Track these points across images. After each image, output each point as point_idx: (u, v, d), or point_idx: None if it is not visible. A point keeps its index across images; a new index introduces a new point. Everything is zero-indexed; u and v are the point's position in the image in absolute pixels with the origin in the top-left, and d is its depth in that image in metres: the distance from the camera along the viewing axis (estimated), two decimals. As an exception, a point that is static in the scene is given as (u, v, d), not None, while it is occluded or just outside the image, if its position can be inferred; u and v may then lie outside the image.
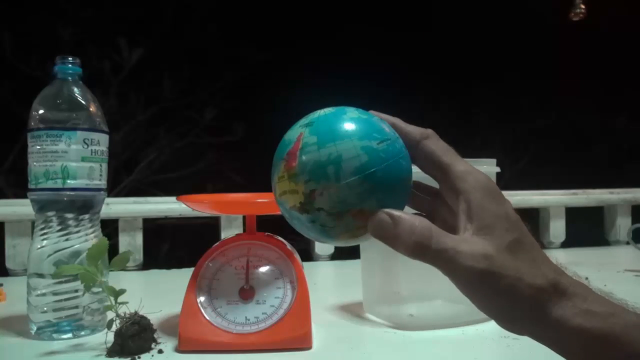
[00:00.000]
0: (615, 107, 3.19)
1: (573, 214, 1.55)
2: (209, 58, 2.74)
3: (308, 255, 1.36)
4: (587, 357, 0.33)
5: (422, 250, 0.33)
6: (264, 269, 0.64)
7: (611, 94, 3.09)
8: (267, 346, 0.60)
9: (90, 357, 0.59)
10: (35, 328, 0.66)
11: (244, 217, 0.70)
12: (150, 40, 2.46)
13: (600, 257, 1.40)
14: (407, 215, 0.34)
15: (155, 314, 0.64)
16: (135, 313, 0.60)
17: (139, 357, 0.58)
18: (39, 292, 0.65)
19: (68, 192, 0.65)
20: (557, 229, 1.51)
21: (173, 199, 0.80)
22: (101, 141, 0.68)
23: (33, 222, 0.70)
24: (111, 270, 0.66)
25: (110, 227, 1.21)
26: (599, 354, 0.33)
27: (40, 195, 0.66)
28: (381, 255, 0.74)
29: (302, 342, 0.61)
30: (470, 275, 0.32)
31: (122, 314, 0.60)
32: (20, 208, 1.14)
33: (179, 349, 0.60)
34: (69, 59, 0.68)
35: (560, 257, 1.43)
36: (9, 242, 1.15)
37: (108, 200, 0.99)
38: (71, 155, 0.65)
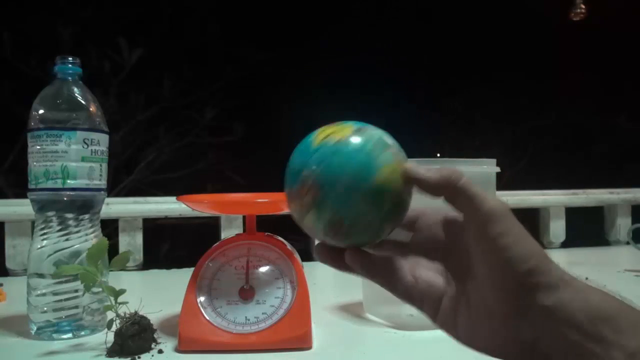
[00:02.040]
0: (616, 107, 3.19)
1: (573, 214, 1.55)
2: (209, 58, 2.73)
3: (308, 255, 1.36)
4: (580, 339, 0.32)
5: (452, 180, 0.34)
6: (264, 269, 0.64)
7: (611, 94, 3.09)
8: (267, 346, 0.60)
9: (90, 357, 0.59)
10: (35, 328, 0.66)
11: (244, 217, 0.70)
12: (150, 40, 2.45)
13: (600, 257, 1.40)
14: None
15: (155, 314, 0.64)
16: (135, 313, 0.60)
17: (139, 357, 0.58)
18: (39, 292, 0.65)
19: (68, 192, 0.66)
20: (557, 229, 1.51)
21: (173, 199, 0.80)
22: (101, 141, 0.68)
23: (33, 222, 0.70)
24: (111, 270, 0.66)
25: (110, 227, 1.21)
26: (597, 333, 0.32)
27: (40, 195, 0.66)
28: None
29: (302, 342, 0.61)
30: (492, 212, 0.34)
31: (122, 314, 0.60)
32: (20, 208, 1.14)
33: (179, 349, 0.60)
34: (69, 59, 0.68)
35: (560, 257, 1.43)
36: (9, 242, 1.15)
37: (108, 200, 0.99)
38: (71, 155, 0.65)
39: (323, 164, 0.36)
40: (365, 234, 0.37)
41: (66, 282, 0.65)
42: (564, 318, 0.32)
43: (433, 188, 0.35)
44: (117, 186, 2.42)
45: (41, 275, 0.65)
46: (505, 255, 0.33)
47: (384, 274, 0.38)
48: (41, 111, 0.66)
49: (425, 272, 0.39)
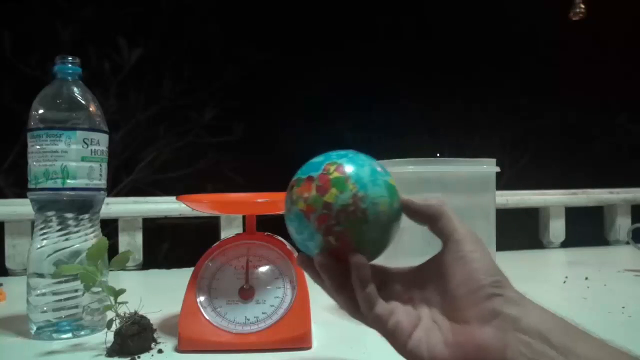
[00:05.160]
0: (616, 107, 3.19)
1: (573, 214, 1.55)
2: (209, 58, 2.74)
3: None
4: None
5: (438, 205, 0.42)
6: (264, 269, 0.64)
7: (611, 93, 3.09)
8: (267, 346, 0.60)
9: (90, 357, 0.59)
10: (35, 328, 0.66)
11: (244, 217, 0.70)
12: (150, 40, 2.46)
13: (600, 257, 1.40)
14: None
15: (155, 314, 0.64)
16: (135, 313, 0.60)
17: (139, 357, 0.58)
18: (39, 292, 0.65)
19: (68, 192, 0.66)
20: (557, 229, 1.51)
21: (173, 199, 0.80)
22: (101, 141, 0.68)
23: (33, 222, 0.70)
24: (111, 270, 0.66)
25: (110, 227, 1.21)
26: None
27: (40, 195, 0.66)
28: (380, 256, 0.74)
29: (302, 342, 0.61)
30: (467, 234, 0.40)
31: (122, 314, 0.60)
32: (20, 208, 1.14)
33: (179, 349, 0.60)
34: (69, 59, 0.68)
35: (560, 257, 1.43)
36: (9, 242, 1.15)
37: (108, 200, 0.99)
38: (71, 155, 0.65)
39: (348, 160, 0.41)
40: (378, 223, 0.39)
41: (66, 282, 0.65)
42: (528, 328, 0.36)
43: (422, 212, 0.42)
44: (117, 186, 2.42)
45: (41, 275, 0.65)
46: (476, 266, 0.39)
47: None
48: (41, 111, 0.66)
49: (399, 308, 0.41)
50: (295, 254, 0.66)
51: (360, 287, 0.39)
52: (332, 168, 0.40)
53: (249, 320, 0.61)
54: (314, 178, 0.40)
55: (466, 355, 0.36)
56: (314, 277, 0.43)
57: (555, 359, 0.34)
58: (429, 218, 0.42)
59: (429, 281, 0.42)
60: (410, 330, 0.39)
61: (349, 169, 0.40)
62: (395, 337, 0.39)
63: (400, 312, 0.40)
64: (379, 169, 0.41)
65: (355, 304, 0.40)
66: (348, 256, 0.39)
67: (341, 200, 0.38)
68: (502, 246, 0.78)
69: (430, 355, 0.37)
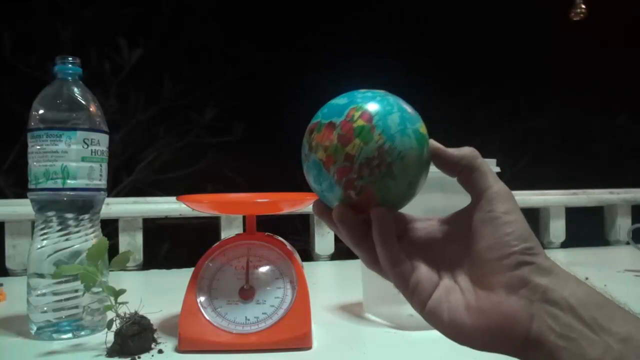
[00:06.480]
0: (615, 107, 3.19)
1: (573, 214, 1.55)
2: (209, 58, 2.74)
3: (308, 255, 1.36)
4: None
5: (472, 156, 0.38)
6: (264, 269, 0.64)
7: (611, 94, 3.09)
8: (267, 346, 0.60)
9: (90, 357, 0.59)
10: (35, 328, 0.66)
11: (244, 217, 0.70)
12: (150, 40, 2.46)
13: (600, 257, 1.40)
14: None
15: (155, 314, 0.64)
16: (135, 313, 0.60)
17: (139, 357, 0.58)
18: (39, 292, 0.65)
19: (68, 192, 0.66)
20: (557, 229, 1.51)
21: (173, 199, 0.80)
22: (101, 141, 0.68)
23: (33, 222, 0.70)
24: (111, 270, 0.66)
25: (110, 227, 1.21)
26: None
27: (40, 195, 0.66)
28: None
29: (302, 342, 0.61)
30: (502, 191, 0.37)
31: (122, 314, 0.60)
32: (20, 208, 1.14)
33: (179, 349, 0.60)
34: (69, 59, 0.68)
35: (560, 257, 1.43)
36: (9, 242, 1.15)
37: (108, 200, 0.99)
38: (71, 155, 0.65)
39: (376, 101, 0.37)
40: (404, 178, 0.37)
41: (66, 282, 0.65)
42: (557, 299, 0.33)
43: (454, 163, 0.38)
44: (117, 186, 2.42)
45: (41, 275, 0.65)
46: (508, 230, 0.35)
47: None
48: (41, 111, 0.66)
49: (420, 263, 0.39)
50: (296, 254, 0.66)
51: (381, 243, 0.37)
52: (357, 114, 0.36)
53: (249, 320, 0.61)
54: (336, 124, 0.36)
55: (489, 323, 0.34)
56: (331, 226, 0.40)
57: (584, 334, 0.32)
58: (460, 170, 0.39)
59: (453, 237, 0.39)
60: (430, 289, 0.37)
61: (376, 115, 0.36)
62: (414, 295, 0.37)
63: (422, 269, 0.38)
64: (410, 113, 0.38)
65: (373, 256, 0.38)
66: (369, 210, 0.37)
67: (365, 152, 0.35)
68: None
69: (450, 317, 0.36)
